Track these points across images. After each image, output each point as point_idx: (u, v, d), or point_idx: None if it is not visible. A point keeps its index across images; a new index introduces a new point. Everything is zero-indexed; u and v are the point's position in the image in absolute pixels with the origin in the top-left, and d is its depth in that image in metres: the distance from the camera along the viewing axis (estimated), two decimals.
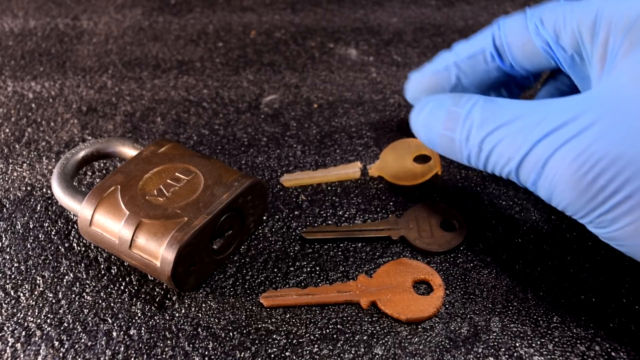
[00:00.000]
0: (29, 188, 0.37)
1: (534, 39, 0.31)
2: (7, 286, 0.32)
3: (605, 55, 0.28)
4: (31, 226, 0.35)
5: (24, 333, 0.30)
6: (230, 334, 0.30)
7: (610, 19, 0.28)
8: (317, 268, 0.32)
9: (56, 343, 0.29)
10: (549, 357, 0.28)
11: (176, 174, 0.32)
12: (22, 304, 0.31)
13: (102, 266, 0.33)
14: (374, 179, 0.37)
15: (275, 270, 0.32)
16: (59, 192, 0.33)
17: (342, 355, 0.29)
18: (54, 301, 0.31)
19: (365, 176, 0.38)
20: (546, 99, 0.29)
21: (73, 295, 0.31)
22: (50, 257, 0.33)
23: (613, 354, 0.28)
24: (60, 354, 0.29)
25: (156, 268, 0.29)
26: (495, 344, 0.29)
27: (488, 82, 0.34)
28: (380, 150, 0.39)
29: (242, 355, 0.29)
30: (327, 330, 0.30)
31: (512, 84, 0.37)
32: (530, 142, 0.26)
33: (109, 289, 0.32)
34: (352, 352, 0.29)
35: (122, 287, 0.32)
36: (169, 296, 0.31)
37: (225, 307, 0.31)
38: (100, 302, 0.31)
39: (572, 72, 0.31)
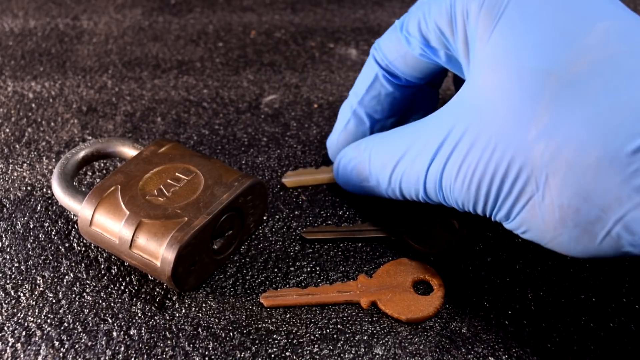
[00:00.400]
0: (29, 188, 0.37)
1: (410, 50, 0.31)
2: (8, 286, 0.32)
3: (466, 48, 0.28)
4: (31, 226, 0.35)
5: (24, 333, 0.30)
6: (231, 334, 0.30)
7: (463, 9, 0.27)
8: (318, 268, 0.32)
9: (56, 343, 0.29)
10: (549, 357, 0.28)
11: (176, 174, 0.32)
12: (23, 304, 0.31)
13: (102, 266, 0.33)
14: None
15: (276, 270, 0.32)
16: (59, 192, 0.33)
17: (342, 355, 0.29)
18: (54, 301, 0.31)
19: None
20: (429, 115, 0.29)
21: (73, 295, 0.31)
22: (51, 257, 0.33)
23: (613, 353, 0.28)
24: (61, 354, 0.29)
25: (156, 268, 0.29)
26: (496, 344, 0.29)
27: (399, 103, 0.34)
28: None
29: (242, 355, 0.29)
30: (328, 330, 0.30)
31: (425, 97, 0.37)
32: (423, 170, 0.28)
33: (109, 289, 0.32)
34: (353, 352, 0.29)
35: (122, 287, 0.32)
36: (169, 296, 0.31)
37: (225, 307, 0.31)
38: (100, 302, 0.31)
39: (453, 69, 0.31)
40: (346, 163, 0.33)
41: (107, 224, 0.30)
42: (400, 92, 0.33)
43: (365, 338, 0.29)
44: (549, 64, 0.24)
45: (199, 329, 0.30)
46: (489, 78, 0.26)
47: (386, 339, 0.29)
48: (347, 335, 0.29)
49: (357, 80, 0.35)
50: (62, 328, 0.30)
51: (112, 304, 0.31)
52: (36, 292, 0.32)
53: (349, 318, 0.30)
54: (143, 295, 0.31)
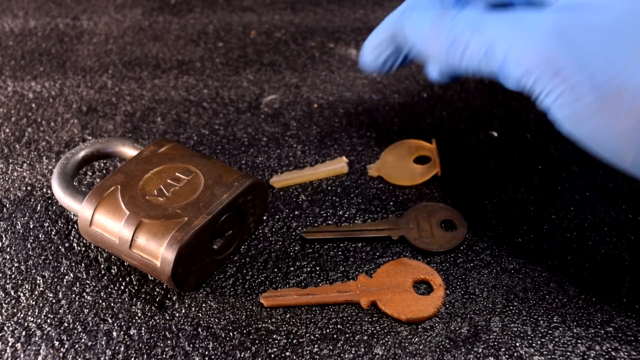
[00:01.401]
0: (29, 188, 0.37)
1: None
2: (8, 286, 0.32)
3: None
4: (31, 226, 0.35)
5: (24, 333, 0.30)
6: (231, 334, 0.30)
7: None
8: (317, 268, 0.32)
9: (56, 343, 0.29)
10: (549, 357, 0.28)
11: (176, 174, 0.32)
12: (23, 304, 0.31)
13: (102, 266, 0.33)
14: (374, 179, 0.37)
15: (276, 270, 0.32)
16: (59, 192, 0.33)
17: (342, 355, 0.29)
18: (54, 301, 0.31)
19: (357, 174, 0.38)
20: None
21: (73, 295, 0.31)
22: (51, 257, 0.33)
23: (613, 353, 0.28)
24: (61, 354, 0.29)
25: (156, 268, 0.29)
26: (496, 343, 0.29)
27: None
28: (380, 150, 0.39)
29: (242, 355, 0.29)
30: (328, 330, 0.30)
31: None
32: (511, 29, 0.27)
33: (109, 289, 0.32)
34: (352, 352, 0.29)
35: (122, 287, 0.32)
36: (169, 296, 0.31)
37: (225, 307, 0.31)
38: (100, 302, 0.31)
39: None
40: (425, 13, 0.31)
41: (107, 224, 0.30)
42: None
43: (365, 338, 0.29)
44: None
45: (199, 329, 0.30)
46: None
47: (386, 339, 0.29)
48: (347, 335, 0.29)
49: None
50: (62, 328, 0.30)
51: (112, 304, 0.31)
52: (36, 292, 0.32)
53: (349, 318, 0.30)
54: (143, 295, 0.31)
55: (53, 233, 0.35)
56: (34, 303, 0.31)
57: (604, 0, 0.26)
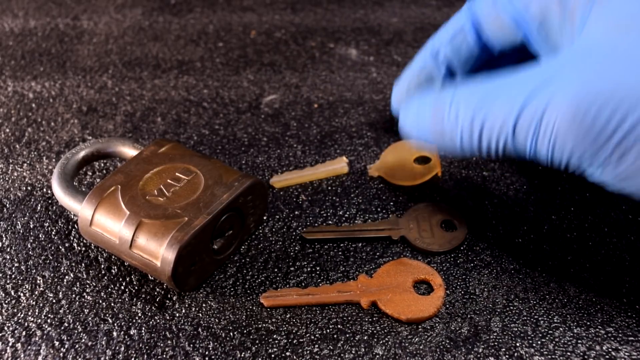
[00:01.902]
0: (29, 188, 0.37)
1: (503, 11, 0.32)
2: (8, 286, 0.32)
3: (574, 20, 0.28)
4: (31, 226, 0.35)
5: (24, 333, 0.30)
6: (231, 334, 0.30)
7: None
8: (318, 268, 0.32)
9: (56, 343, 0.29)
10: (549, 357, 0.28)
11: (176, 174, 0.32)
12: (23, 304, 0.31)
13: (102, 266, 0.33)
14: (374, 179, 0.37)
15: (276, 270, 0.32)
16: (59, 192, 0.33)
17: (342, 355, 0.29)
18: (54, 301, 0.31)
19: (357, 174, 0.38)
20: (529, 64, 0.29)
21: (73, 295, 0.31)
22: (51, 257, 0.33)
23: (613, 354, 0.28)
24: (61, 354, 0.29)
25: (156, 268, 0.29)
26: (496, 344, 0.29)
27: (473, 61, 0.35)
28: (380, 150, 0.39)
29: (242, 355, 0.29)
30: (328, 330, 0.30)
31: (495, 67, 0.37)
32: (522, 99, 0.26)
33: (109, 289, 0.32)
34: (353, 352, 0.29)
35: (122, 287, 0.32)
36: (169, 296, 0.31)
37: (225, 307, 0.31)
38: (100, 302, 0.31)
39: (538, 41, 0.31)
40: (422, 104, 0.31)
41: (107, 224, 0.30)
42: (478, 52, 0.34)
43: (365, 338, 0.29)
44: None
45: (199, 329, 0.30)
46: (615, 31, 0.26)
47: (386, 339, 0.29)
48: (347, 335, 0.29)
49: (440, 30, 0.35)
50: (62, 328, 0.30)
51: (112, 304, 0.31)
52: (36, 292, 0.32)
53: (349, 318, 0.30)
54: (143, 295, 0.31)
55: (53, 233, 0.35)
56: (34, 303, 0.31)
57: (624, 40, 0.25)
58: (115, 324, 0.30)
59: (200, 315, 0.30)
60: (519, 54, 0.34)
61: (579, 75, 0.25)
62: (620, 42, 0.25)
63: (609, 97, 0.24)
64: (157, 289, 0.32)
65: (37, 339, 0.30)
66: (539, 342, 0.29)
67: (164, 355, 0.29)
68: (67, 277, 0.32)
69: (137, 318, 0.30)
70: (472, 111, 0.28)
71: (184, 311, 0.31)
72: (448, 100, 0.29)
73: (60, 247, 0.34)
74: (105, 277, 0.32)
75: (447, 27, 0.35)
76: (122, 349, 0.29)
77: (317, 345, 0.29)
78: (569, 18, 0.29)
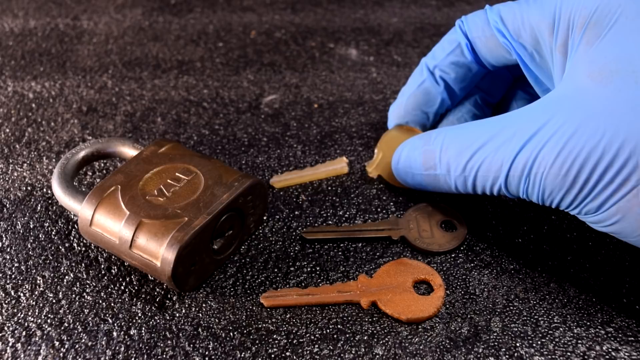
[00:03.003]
0: (29, 188, 0.37)
1: (497, 35, 0.32)
2: (8, 286, 0.32)
3: (565, 53, 0.29)
4: (31, 226, 0.35)
5: (24, 333, 0.30)
6: (231, 334, 0.30)
7: (569, 17, 0.29)
8: (318, 268, 0.32)
9: (56, 343, 0.29)
10: (549, 357, 0.28)
11: (176, 174, 0.32)
12: (23, 304, 0.31)
13: (102, 266, 0.33)
14: (374, 180, 0.37)
15: (276, 270, 0.32)
16: (59, 192, 0.33)
17: (342, 355, 0.29)
18: (54, 301, 0.31)
19: (357, 174, 0.38)
20: (512, 111, 0.30)
21: (73, 295, 0.31)
22: (51, 257, 0.33)
23: (613, 354, 0.28)
24: (61, 354, 0.29)
25: (156, 268, 0.29)
26: (496, 344, 0.29)
27: (472, 77, 0.35)
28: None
29: (242, 355, 0.29)
30: (328, 330, 0.30)
31: (495, 81, 0.38)
32: (511, 156, 0.28)
33: (109, 289, 0.32)
34: (353, 352, 0.29)
35: (122, 287, 0.32)
36: (169, 296, 0.31)
37: (225, 307, 0.31)
38: (100, 302, 0.31)
39: (532, 67, 0.32)
40: (412, 149, 0.33)
41: (107, 224, 0.30)
42: (476, 67, 0.35)
43: (365, 338, 0.29)
44: None
45: (199, 329, 0.30)
46: (599, 78, 0.27)
47: (386, 339, 0.29)
48: (347, 335, 0.29)
49: (435, 47, 0.36)
50: (62, 328, 0.30)
51: (112, 304, 0.31)
52: (36, 292, 0.32)
53: (349, 318, 0.30)
54: (143, 295, 0.31)
55: (53, 233, 0.35)
56: (34, 303, 0.31)
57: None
58: (115, 324, 0.30)
59: (200, 315, 0.30)
60: (517, 68, 0.35)
61: (561, 131, 0.27)
62: (600, 92, 0.26)
63: (589, 154, 0.26)
64: (157, 289, 0.32)
65: (37, 339, 0.30)
66: (539, 342, 0.29)
67: (164, 355, 0.29)
68: (67, 277, 0.32)
69: (137, 318, 0.30)
70: (464, 163, 0.30)
71: (184, 311, 0.31)
72: (438, 147, 0.31)
73: (60, 247, 0.34)
74: (105, 277, 0.32)
75: (443, 43, 0.35)
76: (122, 349, 0.29)
77: (317, 345, 0.29)
78: (560, 50, 0.29)
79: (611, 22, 0.27)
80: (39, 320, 0.30)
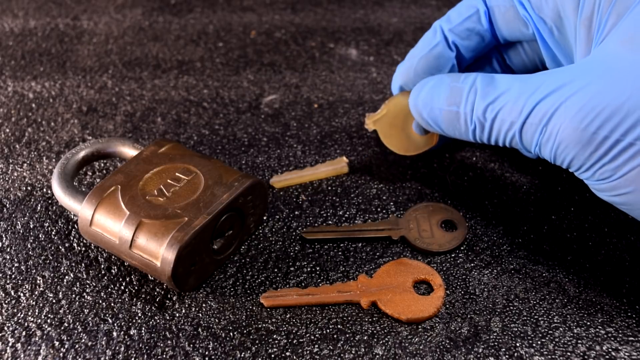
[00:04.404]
0: (29, 188, 0.37)
1: (517, 6, 0.32)
2: (8, 286, 0.32)
3: (590, 28, 0.29)
4: (31, 226, 0.35)
5: (24, 333, 0.30)
6: (231, 334, 0.30)
7: None
8: (318, 268, 0.32)
9: (56, 343, 0.29)
10: (549, 357, 0.28)
11: (176, 174, 0.32)
12: (23, 304, 0.31)
13: (102, 266, 0.33)
14: (374, 181, 0.37)
15: (276, 270, 0.32)
16: (59, 192, 0.33)
17: (342, 355, 0.29)
18: (54, 301, 0.31)
19: (357, 174, 0.38)
20: (543, 71, 0.30)
21: (73, 295, 0.31)
22: (51, 257, 0.33)
23: (613, 354, 0.28)
24: (61, 354, 0.29)
25: (156, 268, 0.29)
26: (496, 344, 0.29)
27: (483, 47, 0.35)
28: (381, 150, 0.39)
29: (242, 355, 0.29)
30: (328, 330, 0.30)
31: (499, 60, 0.37)
32: (532, 103, 0.27)
33: (109, 289, 0.32)
34: (353, 352, 0.29)
35: (122, 287, 0.32)
36: (169, 296, 0.31)
37: (225, 307, 0.31)
38: (100, 302, 0.31)
39: (550, 43, 0.31)
40: (438, 84, 0.32)
41: (107, 224, 0.30)
42: (489, 37, 0.34)
43: (365, 338, 0.29)
44: None
45: (199, 329, 0.30)
46: (629, 45, 0.26)
47: (386, 339, 0.29)
48: (347, 336, 0.29)
49: (451, 11, 0.35)
50: (62, 328, 0.30)
51: (112, 304, 0.31)
52: (36, 292, 0.32)
53: (349, 318, 0.30)
54: (143, 295, 0.31)
55: (53, 233, 0.35)
56: (34, 303, 0.31)
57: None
58: (115, 324, 0.30)
59: (200, 315, 0.30)
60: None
61: (588, 89, 0.26)
62: (631, 58, 0.26)
63: (612, 113, 0.25)
64: (157, 289, 0.32)
65: (37, 339, 0.30)
66: (539, 342, 0.29)
67: (164, 355, 0.29)
68: (67, 277, 0.32)
69: (137, 318, 0.30)
70: (487, 103, 0.29)
71: (184, 311, 0.31)
72: (467, 86, 0.30)
73: (60, 247, 0.34)
74: (105, 277, 0.32)
75: (460, 8, 0.34)
76: (122, 349, 0.29)
77: (317, 345, 0.29)
78: (584, 24, 0.29)
79: None
80: (39, 320, 0.30)
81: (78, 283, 0.32)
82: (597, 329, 0.29)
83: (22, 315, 0.30)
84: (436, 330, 0.29)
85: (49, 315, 0.30)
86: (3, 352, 0.29)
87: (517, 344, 0.29)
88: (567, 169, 0.28)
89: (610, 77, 0.26)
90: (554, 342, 0.29)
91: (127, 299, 0.31)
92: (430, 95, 0.32)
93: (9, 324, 0.30)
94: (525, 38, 0.33)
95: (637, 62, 0.26)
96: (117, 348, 0.29)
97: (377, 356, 0.29)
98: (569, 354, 0.28)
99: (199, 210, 0.30)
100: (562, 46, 0.31)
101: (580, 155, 0.27)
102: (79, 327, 0.30)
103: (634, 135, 0.25)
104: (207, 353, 0.29)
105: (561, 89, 0.27)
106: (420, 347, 0.29)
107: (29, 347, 0.29)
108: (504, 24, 0.33)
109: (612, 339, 0.29)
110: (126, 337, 0.30)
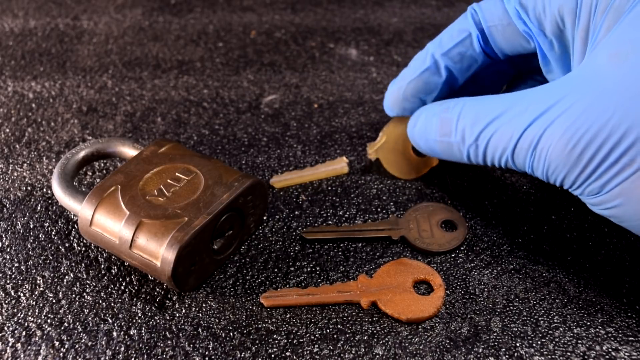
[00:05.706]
0: (29, 188, 0.37)
1: (516, 23, 0.32)
2: (8, 286, 0.32)
3: (586, 39, 0.29)
4: (31, 226, 0.35)
5: (24, 333, 0.30)
6: (231, 334, 0.30)
7: (591, 3, 0.29)
8: (318, 268, 0.32)
9: (56, 343, 0.29)
10: (549, 357, 0.28)
11: (176, 174, 0.32)
12: (23, 304, 0.31)
13: (102, 266, 0.33)
14: (373, 180, 0.37)
15: (276, 270, 0.32)
16: (59, 192, 0.33)
17: (342, 355, 0.29)
18: (54, 301, 0.31)
19: (357, 174, 0.38)
20: (531, 88, 0.30)
21: (73, 295, 0.31)
22: (51, 257, 0.33)
23: (613, 354, 0.28)
24: (61, 354, 0.29)
25: (156, 268, 0.29)
26: (496, 344, 0.29)
27: (475, 69, 0.35)
28: None
29: (242, 355, 0.29)
30: (328, 330, 0.30)
31: (494, 75, 0.37)
32: (520, 129, 0.28)
33: (109, 289, 0.32)
34: (353, 352, 0.29)
35: (122, 287, 0.32)
36: (169, 296, 0.31)
37: (225, 307, 0.31)
38: (100, 302, 0.31)
39: (549, 56, 0.32)
40: (429, 115, 0.33)
41: (107, 224, 0.30)
42: (482, 59, 0.34)
43: (365, 338, 0.29)
44: None
45: (199, 329, 0.30)
46: (615, 59, 0.27)
47: (386, 339, 0.29)
48: (347, 335, 0.29)
49: (443, 34, 0.35)
50: (62, 328, 0.30)
51: (112, 304, 0.31)
52: (36, 292, 0.32)
53: (349, 318, 0.30)
54: (143, 295, 0.31)
55: (53, 233, 0.35)
56: (34, 303, 0.31)
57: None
58: (115, 324, 0.30)
59: (200, 315, 0.30)
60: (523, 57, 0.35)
61: (572, 109, 0.27)
62: (615, 73, 0.26)
63: (596, 133, 0.26)
64: (157, 289, 0.32)
65: (37, 339, 0.30)
66: (539, 342, 0.29)
67: (164, 355, 0.29)
68: (67, 277, 0.32)
69: (137, 318, 0.30)
70: (477, 132, 0.30)
71: (184, 311, 0.31)
72: (455, 115, 0.31)
73: (60, 247, 0.34)
74: (105, 277, 0.32)
75: (452, 31, 0.34)
76: (122, 349, 0.29)
77: (317, 345, 0.29)
78: (580, 35, 0.29)
79: (632, 5, 0.27)
80: (39, 320, 0.30)
81: (78, 283, 0.32)
82: (597, 329, 0.29)
83: (22, 315, 0.30)
84: (436, 330, 0.29)
85: (49, 315, 0.30)
86: (3, 352, 0.29)
87: (517, 344, 0.29)
88: (560, 187, 0.29)
89: (594, 95, 0.26)
90: (554, 342, 0.29)
91: (127, 299, 0.31)
92: (424, 127, 0.33)
93: (9, 324, 0.30)
94: (527, 52, 0.33)
95: (620, 78, 0.26)
96: (117, 348, 0.29)
97: (377, 356, 0.29)
98: (569, 354, 0.28)
99: (199, 210, 0.30)
100: (561, 59, 0.31)
101: (570, 175, 0.27)
102: (79, 327, 0.30)
103: (618, 153, 0.25)
104: (207, 353, 0.29)
105: (547, 112, 0.27)
106: (420, 347, 0.29)
107: (29, 347, 0.29)
108: (504, 42, 0.33)
109: (612, 339, 0.29)
110: (126, 337, 0.30)
